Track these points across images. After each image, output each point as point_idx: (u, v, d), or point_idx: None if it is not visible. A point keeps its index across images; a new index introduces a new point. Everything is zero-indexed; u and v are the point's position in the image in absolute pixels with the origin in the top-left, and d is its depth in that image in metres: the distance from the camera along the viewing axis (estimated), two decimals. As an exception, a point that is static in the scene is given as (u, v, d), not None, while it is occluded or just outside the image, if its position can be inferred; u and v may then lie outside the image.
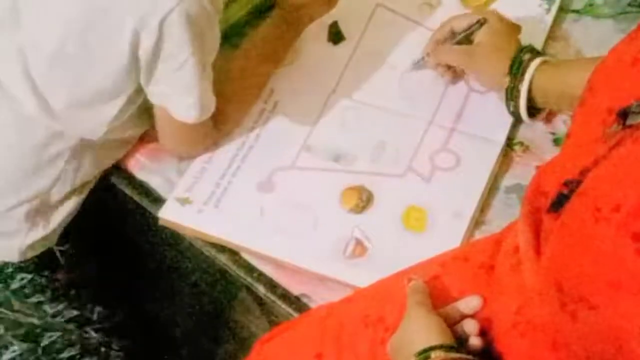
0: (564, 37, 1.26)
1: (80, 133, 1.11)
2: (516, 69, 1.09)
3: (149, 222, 1.15)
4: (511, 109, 1.12)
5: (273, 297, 1.08)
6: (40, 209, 1.15)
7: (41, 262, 1.22)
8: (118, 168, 1.21)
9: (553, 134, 1.16)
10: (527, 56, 1.09)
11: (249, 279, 1.09)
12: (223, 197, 1.13)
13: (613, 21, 1.26)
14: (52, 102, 1.08)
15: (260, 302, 1.11)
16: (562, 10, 1.28)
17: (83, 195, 1.19)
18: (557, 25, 1.27)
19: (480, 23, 1.15)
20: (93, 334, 1.32)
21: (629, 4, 1.27)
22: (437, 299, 0.87)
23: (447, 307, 0.86)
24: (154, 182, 1.18)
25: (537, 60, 1.09)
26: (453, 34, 1.18)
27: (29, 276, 1.23)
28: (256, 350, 1.03)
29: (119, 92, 1.07)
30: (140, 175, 1.19)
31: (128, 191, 1.19)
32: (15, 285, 1.23)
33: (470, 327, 0.83)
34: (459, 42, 1.17)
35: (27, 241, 1.16)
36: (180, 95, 1.06)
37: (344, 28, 1.28)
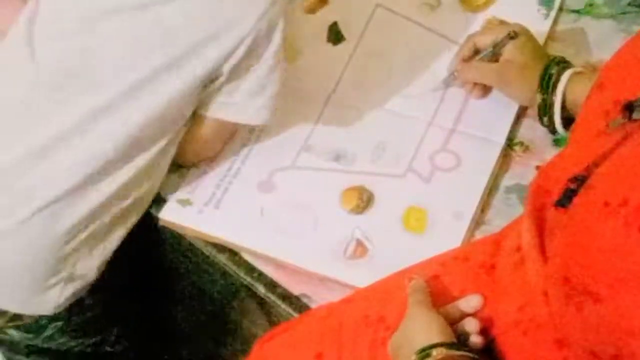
0: (563, 37, 1.26)
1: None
2: (546, 83, 1.08)
3: (149, 223, 1.15)
4: (545, 123, 1.10)
5: (273, 297, 1.08)
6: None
7: None
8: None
9: (553, 133, 1.16)
10: (555, 69, 1.08)
11: (249, 279, 1.09)
12: (223, 198, 1.13)
13: (613, 21, 1.26)
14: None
15: (260, 302, 1.11)
16: (562, 10, 1.28)
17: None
18: (557, 26, 1.27)
19: (511, 36, 1.14)
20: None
21: (629, 4, 1.27)
22: (438, 298, 0.87)
23: (447, 306, 0.86)
24: (154, 182, 1.18)
25: (567, 73, 1.07)
26: (477, 50, 1.18)
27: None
28: (256, 350, 1.02)
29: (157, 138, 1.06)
30: (141, 175, 1.19)
31: (128, 191, 1.19)
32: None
33: (471, 325, 0.83)
34: (489, 57, 1.16)
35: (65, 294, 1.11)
36: (252, 97, 1.07)
37: (344, 28, 1.28)
